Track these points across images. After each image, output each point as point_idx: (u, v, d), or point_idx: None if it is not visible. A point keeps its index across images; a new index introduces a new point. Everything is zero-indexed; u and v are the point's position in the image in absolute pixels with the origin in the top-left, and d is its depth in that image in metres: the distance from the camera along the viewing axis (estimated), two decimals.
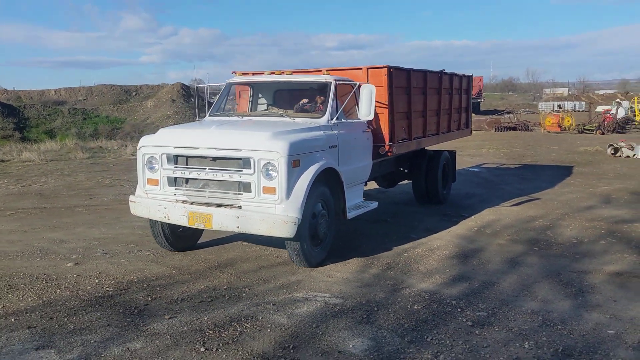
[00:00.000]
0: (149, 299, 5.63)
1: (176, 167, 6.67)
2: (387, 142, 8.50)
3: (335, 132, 7.26)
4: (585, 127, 32.52)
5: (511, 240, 7.98)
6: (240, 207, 6.30)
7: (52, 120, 33.94)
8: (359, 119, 7.71)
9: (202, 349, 4.42)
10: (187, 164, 6.61)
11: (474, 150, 21.73)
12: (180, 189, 6.69)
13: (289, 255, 6.68)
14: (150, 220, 7.20)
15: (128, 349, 4.43)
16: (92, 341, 4.56)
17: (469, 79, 12.51)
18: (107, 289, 5.98)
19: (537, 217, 9.54)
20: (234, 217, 6.20)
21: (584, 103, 68.08)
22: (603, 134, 30.59)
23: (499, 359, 4.21)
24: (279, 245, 7.35)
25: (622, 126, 32.90)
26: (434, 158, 10.77)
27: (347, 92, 7.86)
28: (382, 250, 7.49)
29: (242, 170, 6.25)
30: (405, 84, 9.16)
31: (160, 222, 7.06)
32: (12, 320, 5.07)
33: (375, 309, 5.28)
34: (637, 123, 34.72)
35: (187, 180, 6.66)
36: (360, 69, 8.54)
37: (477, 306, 5.34)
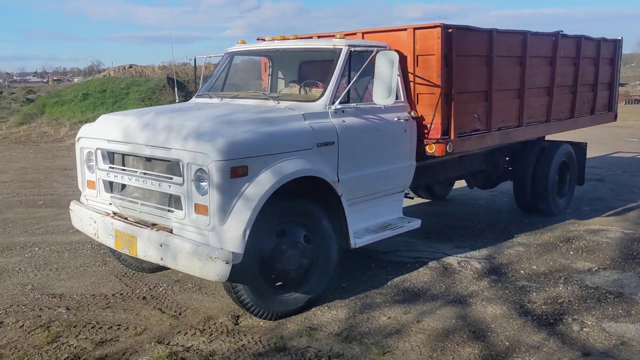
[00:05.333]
0: None
1: (111, 167, 5.19)
2: (437, 136, 6.05)
3: (334, 121, 5.22)
4: None
5: None
6: (171, 231, 4.70)
7: None
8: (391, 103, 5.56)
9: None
10: (123, 164, 5.12)
11: (619, 121, 22.40)
12: (116, 198, 5.18)
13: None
14: None
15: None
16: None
17: (615, 43, 9.32)
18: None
19: None
20: (157, 245, 4.57)
21: None
22: None
23: None
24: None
25: None
26: (547, 152, 8.17)
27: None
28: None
29: (172, 178, 4.62)
30: (481, 51, 6.71)
31: None
32: None
33: None
34: None
35: (122, 186, 5.19)
36: (405, 29, 6.13)
37: None
